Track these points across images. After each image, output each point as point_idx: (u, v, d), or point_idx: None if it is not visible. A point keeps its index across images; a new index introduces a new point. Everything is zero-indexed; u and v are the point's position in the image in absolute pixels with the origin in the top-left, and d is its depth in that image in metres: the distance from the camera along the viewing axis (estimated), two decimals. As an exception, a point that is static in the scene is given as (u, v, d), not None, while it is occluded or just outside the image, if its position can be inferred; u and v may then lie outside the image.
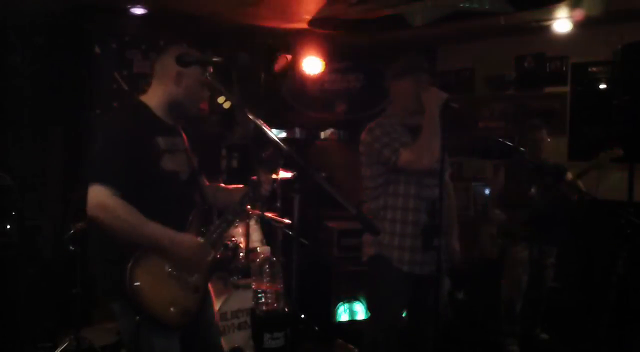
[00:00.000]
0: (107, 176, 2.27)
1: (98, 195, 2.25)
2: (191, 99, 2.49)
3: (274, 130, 2.34)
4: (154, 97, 2.47)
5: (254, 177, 2.53)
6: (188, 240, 2.38)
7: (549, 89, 5.74)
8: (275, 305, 4.30)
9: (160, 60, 2.49)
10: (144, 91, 2.53)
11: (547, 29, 5.33)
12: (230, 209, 2.54)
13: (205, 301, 2.57)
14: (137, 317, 2.28)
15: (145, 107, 2.45)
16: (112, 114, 2.47)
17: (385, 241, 3.06)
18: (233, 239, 4.31)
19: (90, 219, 2.27)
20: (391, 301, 3.10)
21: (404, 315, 3.27)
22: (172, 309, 2.30)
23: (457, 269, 3.28)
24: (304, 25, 5.29)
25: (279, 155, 2.59)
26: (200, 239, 2.43)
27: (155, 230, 2.30)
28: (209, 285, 2.63)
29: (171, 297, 2.32)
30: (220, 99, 2.11)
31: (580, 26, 5.19)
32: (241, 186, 2.66)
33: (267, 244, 4.81)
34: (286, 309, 4.30)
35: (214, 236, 2.48)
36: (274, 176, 2.62)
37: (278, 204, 4.99)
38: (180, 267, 2.36)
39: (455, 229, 3.30)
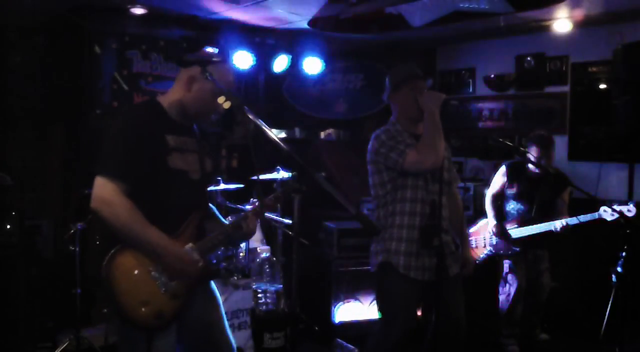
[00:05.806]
0: (116, 170, 2.28)
1: (104, 189, 2.26)
2: (199, 105, 2.50)
3: (274, 130, 2.34)
4: (168, 98, 2.52)
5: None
6: (183, 253, 2.37)
7: (549, 89, 5.74)
8: (275, 305, 4.30)
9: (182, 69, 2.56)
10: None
11: (547, 29, 5.33)
12: (230, 227, 2.56)
13: (210, 303, 2.58)
14: (104, 310, 2.27)
15: (158, 105, 2.49)
16: (127, 110, 2.47)
17: (392, 247, 3.06)
18: (233, 239, 4.31)
19: (93, 210, 2.28)
20: (402, 309, 3.09)
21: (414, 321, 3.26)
22: (143, 309, 2.28)
23: (470, 277, 3.28)
24: (304, 25, 5.29)
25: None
26: (193, 246, 2.42)
27: (153, 236, 2.30)
28: (215, 288, 2.63)
29: (145, 297, 2.29)
30: (220, 99, 2.10)
31: (580, 26, 5.20)
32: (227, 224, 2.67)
33: (267, 244, 4.81)
34: (286, 309, 4.30)
35: (208, 245, 2.48)
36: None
37: (278, 204, 4.99)
38: (162, 270, 2.35)
39: (466, 240, 3.34)
